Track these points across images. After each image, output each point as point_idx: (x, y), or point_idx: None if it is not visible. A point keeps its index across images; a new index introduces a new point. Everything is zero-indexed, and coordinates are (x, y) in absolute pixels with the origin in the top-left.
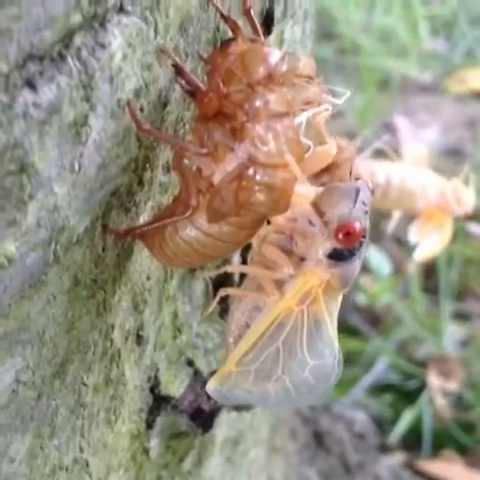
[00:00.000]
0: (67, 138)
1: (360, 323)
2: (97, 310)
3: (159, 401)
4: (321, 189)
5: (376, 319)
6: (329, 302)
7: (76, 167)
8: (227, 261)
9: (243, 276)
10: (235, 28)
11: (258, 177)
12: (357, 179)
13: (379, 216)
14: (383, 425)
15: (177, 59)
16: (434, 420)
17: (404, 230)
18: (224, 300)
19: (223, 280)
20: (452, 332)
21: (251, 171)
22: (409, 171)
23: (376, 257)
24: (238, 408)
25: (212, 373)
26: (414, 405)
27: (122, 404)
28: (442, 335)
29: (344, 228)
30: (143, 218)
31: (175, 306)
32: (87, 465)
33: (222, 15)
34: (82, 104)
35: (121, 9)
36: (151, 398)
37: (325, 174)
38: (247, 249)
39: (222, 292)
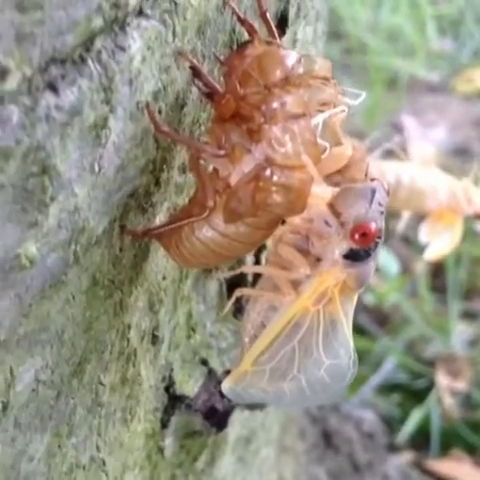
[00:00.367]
0: (87, 140)
1: (368, 322)
2: (114, 310)
3: (174, 400)
4: (337, 190)
5: (384, 318)
6: (345, 302)
7: (96, 169)
8: (241, 261)
9: (257, 276)
10: (251, 30)
11: (275, 178)
12: (373, 180)
13: (387, 215)
14: (391, 424)
15: (194, 61)
16: (442, 419)
17: (412, 229)
18: (238, 300)
19: (237, 280)
20: (460, 331)
21: (268, 172)
22: (419, 171)
23: (384, 256)
24: (251, 407)
25: (226, 372)
26: (422, 404)
27: (138, 403)
28: (450, 334)
29: (360, 228)
30: (159, 219)
31: (189, 306)
32: (104, 464)
33: (238, 18)
34: (102, 106)
35: (140, 13)
36: (166, 397)
37: (336, 174)
38: (261, 249)
39: (238, 292)
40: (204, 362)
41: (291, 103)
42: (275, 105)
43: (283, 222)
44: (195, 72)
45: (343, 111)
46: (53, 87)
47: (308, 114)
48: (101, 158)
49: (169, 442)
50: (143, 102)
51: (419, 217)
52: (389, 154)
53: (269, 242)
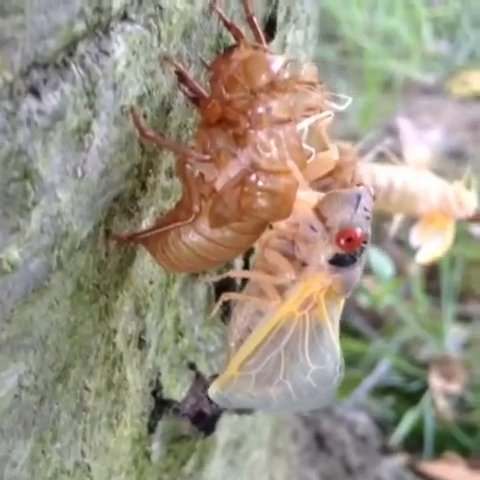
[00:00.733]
0: (70, 145)
1: (362, 325)
2: (99, 315)
3: (161, 405)
4: (323, 195)
5: (378, 321)
6: (331, 307)
7: (79, 173)
8: (229, 265)
9: (245, 280)
10: (238, 35)
11: (260, 183)
12: (359, 185)
13: (381, 218)
14: (385, 427)
15: (180, 66)
16: (436, 422)
17: (406, 232)
18: (226, 303)
19: (225, 284)
20: (454, 334)
21: (253, 177)
22: (411, 174)
23: (378, 259)
24: (240, 411)
25: (214, 377)
26: (416, 407)
27: (124, 408)
28: (444, 337)
29: (345, 234)
30: (145, 223)
31: (177, 310)
32: (89, 469)
33: (225, 22)
34: (85, 111)
35: (125, 17)
36: (153, 402)
37: (327, 177)
38: (249, 253)
39: (225, 297)
40: (192, 366)
41: (277, 108)
42: (260, 110)
43: (270, 227)
44: (181, 77)
45: (329, 116)
46: (35, 91)
47: (294, 119)
48: (84, 162)
49: (156, 447)
50: (127, 106)
51: (412, 219)
52: (382, 157)
53: (257, 246)
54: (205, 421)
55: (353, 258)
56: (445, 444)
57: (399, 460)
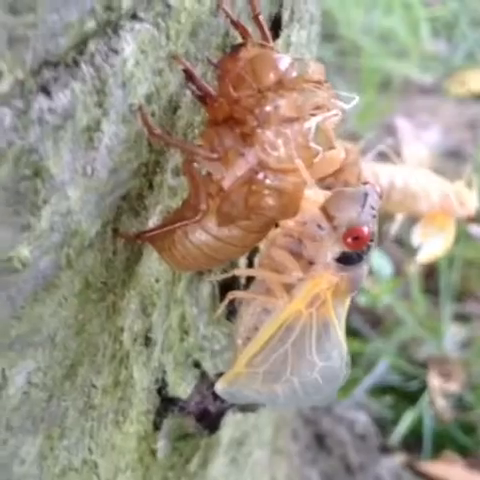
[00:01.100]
0: (80, 143)
1: (361, 324)
2: (107, 313)
3: (166, 403)
4: (330, 193)
5: (377, 320)
6: (338, 305)
7: (89, 172)
8: (235, 264)
9: (250, 278)
10: (244, 33)
11: (268, 182)
12: (365, 183)
13: (380, 218)
14: (384, 426)
15: (188, 64)
16: (435, 421)
17: (405, 232)
18: (231, 302)
19: (230, 283)
20: (453, 333)
21: (261, 176)
22: (412, 174)
23: (377, 258)
24: (244, 409)
25: (219, 375)
26: (415, 406)
27: (130, 406)
28: (443, 336)
29: (353, 232)
30: (152, 222)
31: (182, 308)
32: (96, 466)
33: (232, 21)
34: (95, 109)
35: (134, 16)
36: (158, 400)
37: (329, 177)
38: (254, 252)
39: (231, 295)
40: (197, 364)
41: (284, 107)
42: (268, 109)
43: (276, 225)
44: (188, 75)
45: (336, 115)
46: (46, 90)
47: (301, 118)
48: (94, 161)
49: (161, 444)
50: (136, 105)
51: (412, 219)
52: (382, 156)
53: (262, 245)
54: (210, 419)
55: (360, 256)
56: (444, 443)
57: (398, 459)
